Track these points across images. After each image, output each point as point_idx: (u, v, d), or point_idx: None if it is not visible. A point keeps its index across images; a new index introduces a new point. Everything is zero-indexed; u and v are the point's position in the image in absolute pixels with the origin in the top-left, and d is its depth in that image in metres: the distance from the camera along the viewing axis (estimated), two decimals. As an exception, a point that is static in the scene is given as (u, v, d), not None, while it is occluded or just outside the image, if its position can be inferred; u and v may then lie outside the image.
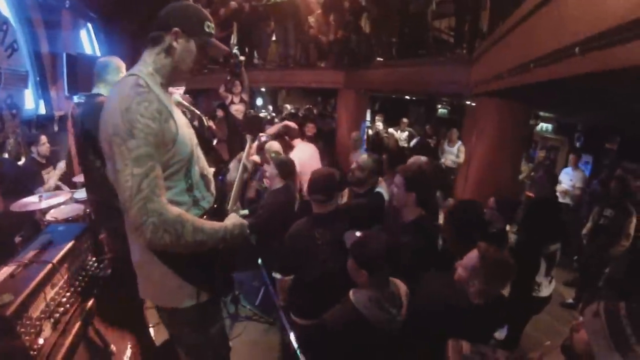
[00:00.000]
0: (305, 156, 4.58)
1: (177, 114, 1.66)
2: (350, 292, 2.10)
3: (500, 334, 3.78)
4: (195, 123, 4.16)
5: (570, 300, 5.22)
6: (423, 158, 3.75)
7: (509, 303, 3.06)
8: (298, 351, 2.68)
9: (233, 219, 1.78)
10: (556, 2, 2.12)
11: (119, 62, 2.94)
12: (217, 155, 1.84)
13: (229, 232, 1.69)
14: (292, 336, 3.07)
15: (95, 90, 2.84)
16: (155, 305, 1.85)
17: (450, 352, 1.90)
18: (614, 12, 1.44)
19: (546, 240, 3.40)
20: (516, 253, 3.12)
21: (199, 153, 1.79)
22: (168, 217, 1.45)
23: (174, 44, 1.61)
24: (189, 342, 1.91)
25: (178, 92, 4.86)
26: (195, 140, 1.77)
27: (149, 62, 1.63)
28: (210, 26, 1.68)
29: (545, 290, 3.49)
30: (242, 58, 6.65)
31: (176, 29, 1.59)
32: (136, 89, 1.46)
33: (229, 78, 6.61)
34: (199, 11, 1.68)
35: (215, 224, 1.67)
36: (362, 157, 3.50)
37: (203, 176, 1.79)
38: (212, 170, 1.97)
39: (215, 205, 1.85)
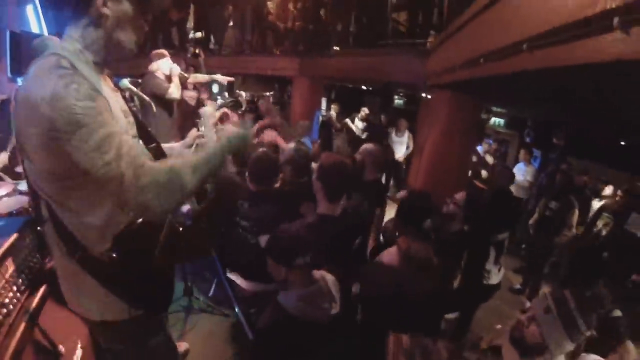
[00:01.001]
0: None
1: (114, 99, 1.42)
2: (278, 296, 2.01)
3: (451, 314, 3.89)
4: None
5: (518, 286, 5.62)
6: (372, 145, 3.64)
7: (459, 291, 3.16)
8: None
9: (227, 133, 1.61)
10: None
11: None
12: (159, 149, 1.69)
13: (227, 147, 1.55)
14: (246, 326, 3.06)
15: None
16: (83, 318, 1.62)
17: (391, 346, 1.92)
18: (560, 12, 1.47)
19: (497, 230, 3.50)
20: (467, 241, 3.22)
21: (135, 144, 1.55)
22: (163, 179, 1.30)
23: (104, 10, 1.28)
24: (126, 357, 1.70)
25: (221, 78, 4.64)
26: (132, 132, 1.55)
27: (76, 37, 1.31)
28: None
29: (495, 278, 3.61)
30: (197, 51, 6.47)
31: None
32: (57, 71, 1.16)
33: (184, 65, 6.41)
34: None
35: (209, 148, 1.53)
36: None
37: None
38: None
39: None
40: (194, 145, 2.06)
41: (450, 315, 3.89)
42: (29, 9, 6.95)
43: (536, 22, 1.70)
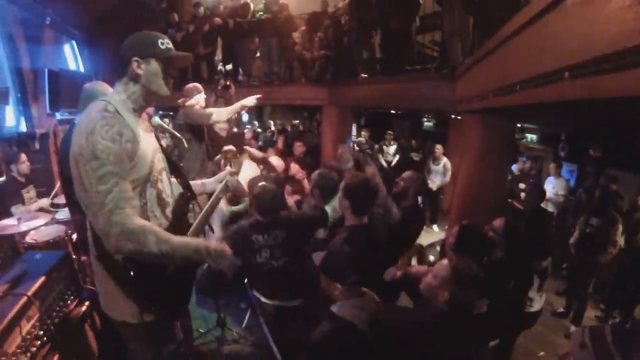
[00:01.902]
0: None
1: (145, 138, 1.81)
2: (332, 308, 2.11)
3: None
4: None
5: (561, 310, 5.29)
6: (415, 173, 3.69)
7: (499, 318, 3.06)
8: None
9: (212, 246, 1.77)
10: (542, 23, 2.12)
11: (105, 88, 2.82)
12: (185, 183, 2.19)
13: (207, 253, 1.72)
14: (278, 356, 3.05)
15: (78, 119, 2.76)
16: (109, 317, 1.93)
17: None
18: (606, 39, 1.42)
19: (539, 256, 3.41)
20: (509, 269, 3.11)
21: (162, 177, 1.94)
22: (130, 227, 1.56)
23: (138, 71, 1.76)
24: (142, 358, 1.99)
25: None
26: (161, 165, 1.94)
27: (121, 90, 1.80)
28: (164, 42, 1.82)
29: (537, 305, 3.52)
30: (227, 83, 6.64)
31: (135, 57, 1.75)
32: (102, 114, 1.63)
33: (214, 97, 6.57)
34: (150, 34, 1.83)
35: (190, 240, 1.77)
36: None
37: (160, 199, 1.90)
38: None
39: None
40: (224, 181, 2.36)
41: (491, 343, 3.77)
42: (66, 48, 7.27)
43: (578, 49, 1.65)
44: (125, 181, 1.63)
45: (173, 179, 2.13)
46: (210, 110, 4.60)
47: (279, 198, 3.30)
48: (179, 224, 1.98)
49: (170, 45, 1.84)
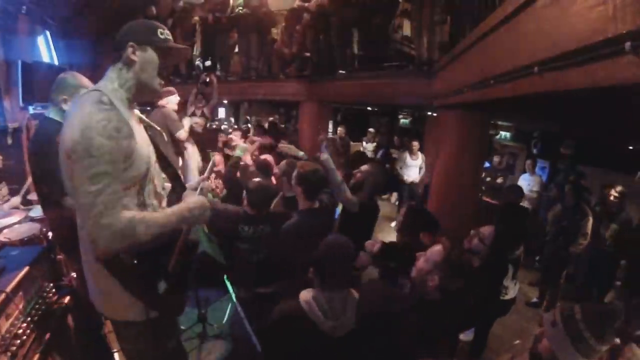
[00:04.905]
0: None
1: (139, 131, 1.73)
2: (303, 292, 2.15)
3: (467, 336, 3.86)
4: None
5: (534, 299, 5.55)
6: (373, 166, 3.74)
7: (476, 307, 3.13)
8: None
9: (192, 197, 1.82)
10: (515, 22, 2.20)
11: (80, 79, 2.71)
12: (174, 173, 2.06)
13: (190, 211, 1.73)
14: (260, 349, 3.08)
15: (50, 113, 2.68)
16: (109, 319, 1.85)
17: None
18: (571, 36, 1.50)
19: (513, 247, 3.51)
20: (486, 259, 3.18)
21: (156, 170, 1.86)
22: (118, 228, 1.48)
23: (132, 57, 1.67)
24: (146, 357, 1.90)
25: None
26: (153, 158, 1.83)
27: (113, 77, 1.69)
28: (163, 32, 1.76)
29: (512, 293, 3.65)
30: (209, 79, 6.72)
31: (130, 43, 1.67)
32: (98, 106, 1.51)
33: (195, 92, 6.61)
34: (150, 22, 1.79)
35: (170, 210, 1.72)
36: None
37: (156, 194, 1.85)
38: (169, 186, 2.10)
39: None
40: (198, 188, 2.40)
41: (466, 337, 3.88)
42: (40, 40, 7.08)
43: (547, 45, 1.73)
44: (117, 182, 1.52)
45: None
46: (183, 124, 5.06)
47: (271, 196, 3.50)
48: None
49: (170, 37, 1.79)
